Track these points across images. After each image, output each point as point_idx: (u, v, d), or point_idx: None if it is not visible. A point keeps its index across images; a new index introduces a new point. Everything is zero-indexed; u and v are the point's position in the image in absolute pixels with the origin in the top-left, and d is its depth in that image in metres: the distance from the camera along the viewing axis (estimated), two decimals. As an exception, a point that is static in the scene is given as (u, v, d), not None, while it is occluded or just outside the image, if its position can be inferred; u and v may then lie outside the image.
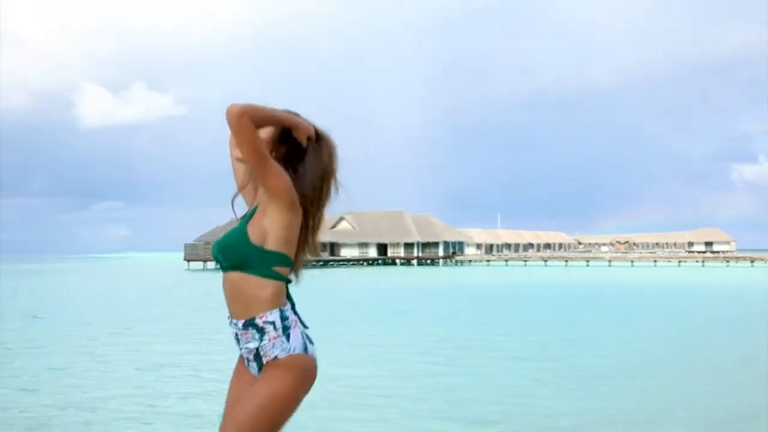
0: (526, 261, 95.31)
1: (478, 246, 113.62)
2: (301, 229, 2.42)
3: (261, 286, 2.34)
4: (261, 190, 2.38)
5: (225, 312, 2.48)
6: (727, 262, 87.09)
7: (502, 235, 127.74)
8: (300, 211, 2.39)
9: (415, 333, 18.32)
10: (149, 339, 16.80)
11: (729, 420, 8.71)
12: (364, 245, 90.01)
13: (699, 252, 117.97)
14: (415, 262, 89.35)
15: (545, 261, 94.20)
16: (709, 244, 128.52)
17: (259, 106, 2.30)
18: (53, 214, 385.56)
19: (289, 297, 2.43)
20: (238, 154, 2.45)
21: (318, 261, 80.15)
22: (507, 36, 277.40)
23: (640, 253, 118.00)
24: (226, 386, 2.51)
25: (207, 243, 73.76)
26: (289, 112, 2.46)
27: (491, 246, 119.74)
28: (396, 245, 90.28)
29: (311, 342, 2.41)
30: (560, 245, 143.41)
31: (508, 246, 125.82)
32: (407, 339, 16.96)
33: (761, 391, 10.40)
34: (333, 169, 2.50)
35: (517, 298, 31.50)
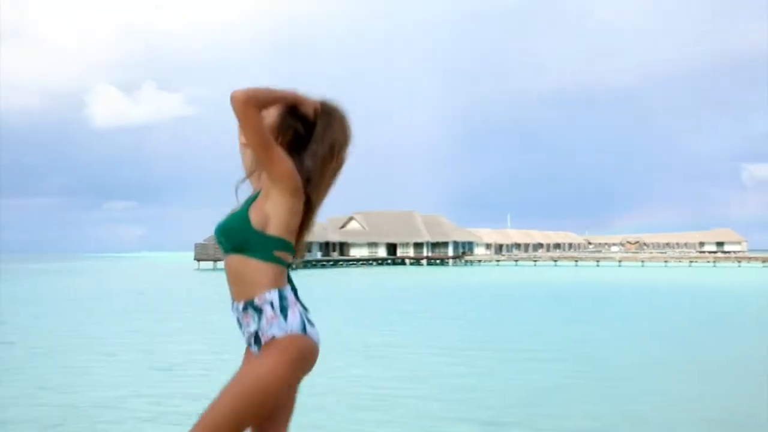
0: (535, 261, 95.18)
1: (488, 246, 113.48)
2: (303, 207, 2.40)
3: (261, 270, 2.32)
4: (264, 175, 2.36)
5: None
6: (739, 262, 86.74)
7: (512, 235, 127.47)
8: (303, 197, 2.36)
9: (427, 333, 18.29)
10: (161, 339, 16.86)
11: (754, 422, 8.64)
12: (373, 245, 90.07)
13: (710, 252, 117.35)
14: (424, 262, 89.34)
15: (555, 261, 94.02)
16: (720, 244, 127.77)
17: (261, 89, 2.30)
18: (67, 214, 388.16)
19: (290, 281, 2.41)
20: (244, 139, 2.44)
21: (328, 260, 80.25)
22: (522, 35, 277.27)
23: (651, 253, 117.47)
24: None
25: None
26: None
27: (501, 246, 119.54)
28: (406, 245, 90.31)
29: (311, 324, 2.36)
30: (570, 245, 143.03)
31: (517, 246, 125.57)
32: (419, 339, 16.93)
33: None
34: (345, 139, 2.45)
35: (527, 298, 31.40)
